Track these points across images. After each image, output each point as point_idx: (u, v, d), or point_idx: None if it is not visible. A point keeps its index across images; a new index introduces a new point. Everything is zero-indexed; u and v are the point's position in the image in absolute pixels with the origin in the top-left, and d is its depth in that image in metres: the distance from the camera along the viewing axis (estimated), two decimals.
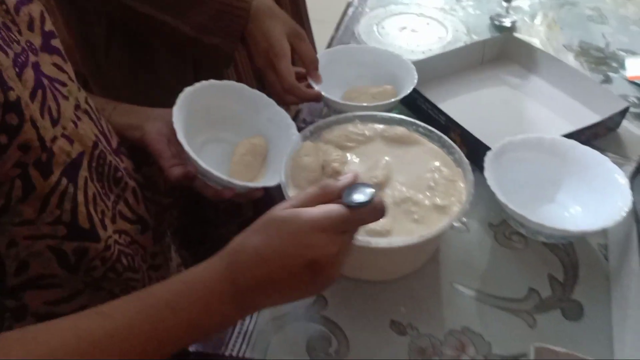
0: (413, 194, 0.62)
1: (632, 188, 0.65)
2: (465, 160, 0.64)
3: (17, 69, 0.46)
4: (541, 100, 0.89)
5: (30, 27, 0.52)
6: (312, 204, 0.47)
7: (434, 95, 0.84)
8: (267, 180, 0.66)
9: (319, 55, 0.83)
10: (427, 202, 0.61)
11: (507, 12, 1.08)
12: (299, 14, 1.30)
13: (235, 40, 0.75)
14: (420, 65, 0.84)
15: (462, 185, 0.63)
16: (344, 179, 0.50)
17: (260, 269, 0.45)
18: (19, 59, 0.47)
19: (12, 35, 0.48)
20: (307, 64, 0.78)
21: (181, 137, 0.59)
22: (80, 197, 0.52)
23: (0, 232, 0.48)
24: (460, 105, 0.88)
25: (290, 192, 0.61)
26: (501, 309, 0.61)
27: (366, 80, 0.86)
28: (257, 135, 0.70)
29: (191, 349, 0.57)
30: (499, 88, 0.92)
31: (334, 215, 0.46)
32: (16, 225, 0.48)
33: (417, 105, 0.84)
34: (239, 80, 0.97)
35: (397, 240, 0.55)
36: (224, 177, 0.60)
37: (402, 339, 0.58)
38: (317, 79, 0.79)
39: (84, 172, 0.53)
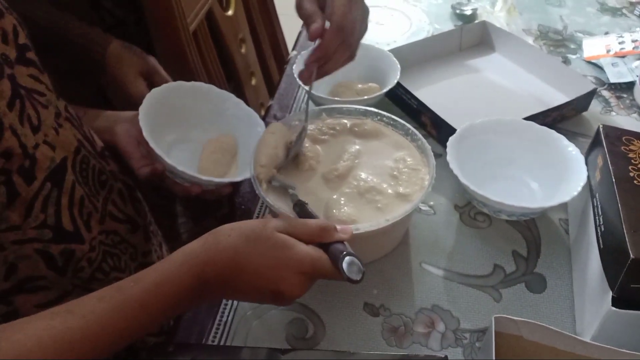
0: (377, 183, 0.64)
1: (587, 163, 0.68)
2: (427, 147, 0.67)
3: None
4: (515, 84, 0.92)
5: (4, 41, 0.53)
6: (307, 239, 0.49)
7: (412, 82, 0.87)
8: (235, 176, 0.68)
9: (304, 52, 0.84)
10: (390, 191, 0.63)
11: (468, 0, 1.11)
12: (266, 7, 1.32)
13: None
14: (398, 52, 0.88)
15: (425, 171, 0.65)
16: (343, 233, 0.51)
17: (231, 273, 0.47)
18: None
19: None
20: None
21: (147, 135, 0.61)
22: (64, 200, 0.54)
23: None
24: (435, 91, 0.91)
25: (254, 170, 0.63)
26: (468, 285, 0.64)
27: (353, 75, 0.87)
28: (226, 134, 0.72)
29: (174, 340, 0.59)
30: (475, 74, 0.95)
31: (318, 267, 0.48)
32: (3, 231, 0.50)
33: (392, 90, 0.86)
34: (209, 77, 1.00)
35: (363, 226, 0.58)
36: (190, 172, 0.62)
37: (375, 319, 0.61)
38: None
39: (70, 176, 0.55)
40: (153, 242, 0.71)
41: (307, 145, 0.69)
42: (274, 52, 1.36)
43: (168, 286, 0.45)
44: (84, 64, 0.77)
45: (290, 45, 1.27)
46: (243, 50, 1.17)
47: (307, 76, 0.67)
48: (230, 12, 1.11)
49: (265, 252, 0.47)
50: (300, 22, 1.08)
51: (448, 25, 1.08)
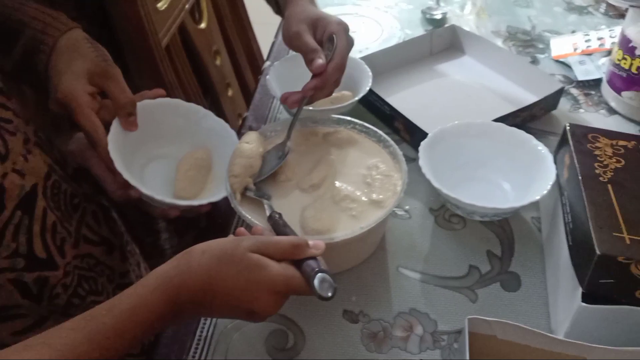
0: (351, 191, 0.65)
1: (556, 162, 0.70)
2: (399, 152, 0.68)
3: None
4: (486, 86, 0.93)
5: None
6: (280, 257, 0.49)
7: (384, 88, 0.88)
8: (213, 193, 0.68)
9: (277, 63, 0.86)
10: (364, 198, 0.64)
11: (438, 4, 1.13)
12: (239, 18, 1.32)
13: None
14: (370, 59, 0.89)
15: (397, 177, 0.66)
16: (315, 249, 0.51)
17: (205, 296, 0.47)
18: None
19: None
20: (116, 109, 0.65)
21: (119, 166, 0.60)
22: (36, 228, 0.54)
23: None
24: (408, 96, 0.92)
25: (227, 181, 0.64)
26: (445, 287, 0.65)
27: None
28: (199, 149, 0.72)
29: (154, 358, 0.59)
30: (446, 77, 0.97)
31: (292, 285, 0.48)
32: None
33: (365, 97, 0.87)
34: (184, 91, 1.00)
35: (338, 235, 0.59)
36: (167, 199, 0.62)
37: (354, 326, 0.61)
38: (129, 126, 0.66)
39: (41, 203, 0.55)
40: (130, 262, 0.71)
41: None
42: (249, 63, 1.36)
43: (142, 312, 0.45)
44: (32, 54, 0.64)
45: (265, 55, 1.28)
46: (218, 62, 1.17)
47: (297, 100, 0.69)
48: (203, 25, 1.12)
49: (238, 273, 0.47)
50: (273, 31, 1.09)
51: (419, 31, 1.10)
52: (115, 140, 0.62)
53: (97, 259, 0.63)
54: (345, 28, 0.71)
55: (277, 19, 1.12)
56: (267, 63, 1.04)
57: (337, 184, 0.66)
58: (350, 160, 0.70)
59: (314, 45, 0.68)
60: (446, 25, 1.05)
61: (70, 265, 0.58)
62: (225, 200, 0.64)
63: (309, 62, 0.68)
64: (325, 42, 0.70)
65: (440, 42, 1.00)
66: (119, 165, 0.60)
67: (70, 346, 0.42)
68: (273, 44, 1.10)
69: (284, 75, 0.88)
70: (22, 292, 0.53)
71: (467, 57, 1.00)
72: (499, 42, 1.06)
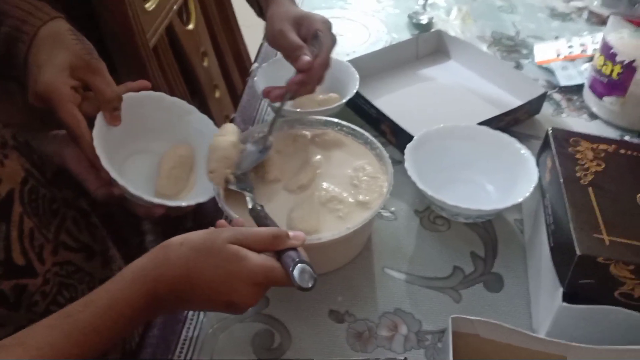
0: (338, 193, 0.66)
1: (538, 164, 0.71)
2: (385, 154, 0.69)
3: None
4: (471, 90, 0.95)
5: None
6: (260, 248, 0.49)
7: (371, 91, 0.89)
8: (198, 193, 0.67)
9: (265, 65, 0.87)
10: (351, 199, 0.65)
11: (424, 9, 1.14)
12: (227, 19, 1.33)
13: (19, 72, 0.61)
14: (357, 62, 0.90)
15: (383, 179, 0.67)
16: (295, 240, 0.51)
17: (184, 288, 0.47)
18: None
19: None
20: (101, 103, 0.62)
21: (105, 163, 0.58)
22: (14, 234, 0.52)
23: None
24: (394, 99, 0.93)
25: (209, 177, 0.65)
26: (429, 288, 0.66)
27: None
28: (182, 145, 0.71)
29: (140, 356, 0.59)
30: (432, 81, 0.98)
31: (271, 277, 0.48)
32: None
33: (352, 100, 0.87)
34: (171, 92, 1.00)
35: (325, 235, 0.59)
36: (155, 200, 0.61)
37: (340, 326, 0.62)
38: (114, 121, 0.63)
39: (17, 208, 0.53)
40: (112, 267, 0.70)
41: (271, 156, 0.70)
42: (237, 65, 1.37)
43: (120, 307, 0.45)
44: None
45: (252, 54, 1.28)
46: (205, 63, 1.18)
47: (280, 94, 0.70)
48: (190, 26, 1.12)
49: (217, 265, 0.47)
50: (261, 33, 1.09)
51: (405, 35, 1.11)
52: (100, 136, 0.60)
53: (77, 266, 0.61)
54: (329, 26, 0.72)
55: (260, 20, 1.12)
56: (255, 65, 1.04)
57: (324, 185, 0.67)
58: (337, 161, 0.71)
59: (298, 42, 0.69)
60: (432, 30, 1.06)
61: (50, 272, 0.56)
62: (212, 199, 0.64)
63: (294, 59, 0.69)
64: (310, 39, 0.71)
65: (426, 46, 1.02)
66: (104, 162, 0.58)
67: (47, 344, 0.42)
68: (261, 45, 1.10)
69: (271, 76, 0.88)
70: None
71: (453, 61, 1.01)
72: (484, 47, 1.07)
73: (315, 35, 0.70)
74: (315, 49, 0.70)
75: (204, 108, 1.16)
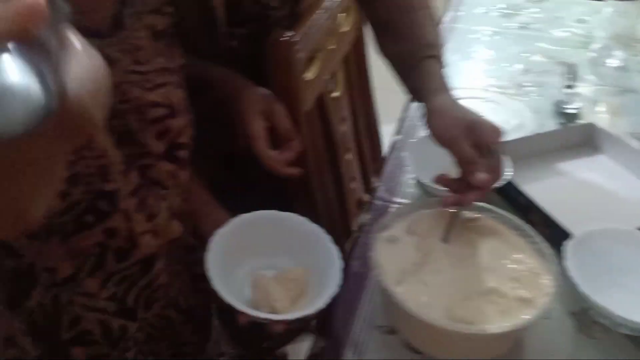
0: (498, 285, 0.65)
1: None
2: (547, 252, 0.67)
3: (124, 166, 0.54)
4: (624, 189, 0.91)
5: (161, 136, 0.59)
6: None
7: (518, 177, 0.87)
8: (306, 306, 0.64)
9: (415, 141, 0.91)
10: (511, 294, 0.64)
11: (570, 98, 1.13)
12: (364, 87, 1.38)
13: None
14: (505, 146, 0.89)
15: (546, 277, 0.66)
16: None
17: None
18: (130, 159, 0.55)
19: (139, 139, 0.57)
20: (280, 137, 0.80)
21: (227, 296, 0.59)
22: (142, 282, 0.60)
23: (60, 295, 0.55)
24: (542, 188, 0.90)
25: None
26: None
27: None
28: (295, 269, 0.68)
29: None
30: (580, 175, 0.95)
31: None
32: (77, 294, 0.56)
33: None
34: (313, 146, 1.04)
35: (492, 327, 0.59)
36: (277, 316, 0.61)
37: None
38: (294, 149, 0.81)
39: (160, 265, 0.61)
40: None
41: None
42: (367, 130, 1.42)
43: None
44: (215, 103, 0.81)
45: (390, 118, 1.32)
46: (343, 128, 1.23)
47: (453, 203, 0.73)
48: (336, 94, 1.18)
49: None
50: (399, 100, 1.11)
51: (550, 122, 1.10)
52: (215, 258, 0.62)
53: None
54: (500, 135, 0.70)
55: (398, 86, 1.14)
56: (399, 137, 1.07)
57: (483, 274, 0.67)
58: (493, 250, 0.71)
59: (473, 157, 0.69)
60: (581, 121, 1.04)
61: (145, 322, 0.63)
62: None
63: (468, 172, 0.69)
64: (482, 149, 0.69)
65: (576, 137, 1.00)
66: (221, 289, 0.59)
67: None
68: (403, 119, 1.14)
69: (420, 151, 0.90)
70: (104, 334, 0.59)
71: (604, 156, 0.99)
72: (636, 145, 1.03)
73: (489, 149, 0.70)
74: (489, 163, 0.69)
75: (335, 169, 1.21)
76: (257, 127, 0.77)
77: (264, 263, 0.70)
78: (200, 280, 0.70)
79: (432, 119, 0.74)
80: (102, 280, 0.56)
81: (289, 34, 0.86)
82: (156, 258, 0.60)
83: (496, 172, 0.71)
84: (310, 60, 0.98)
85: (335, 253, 0.67)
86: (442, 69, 0.79)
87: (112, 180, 0.52)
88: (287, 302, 0.64)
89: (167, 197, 0.61)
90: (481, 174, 0.67)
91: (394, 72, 0.85)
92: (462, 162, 0.70)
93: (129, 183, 0.55)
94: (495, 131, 0.70)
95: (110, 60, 0.54)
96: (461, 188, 0.71)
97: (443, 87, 0.77)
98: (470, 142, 0.69)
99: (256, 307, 0.62)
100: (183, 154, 0.62)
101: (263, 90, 0.82)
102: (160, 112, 0.59)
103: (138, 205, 0.56)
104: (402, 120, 1.14)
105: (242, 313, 0.59)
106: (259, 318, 0.60)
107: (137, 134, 0.56)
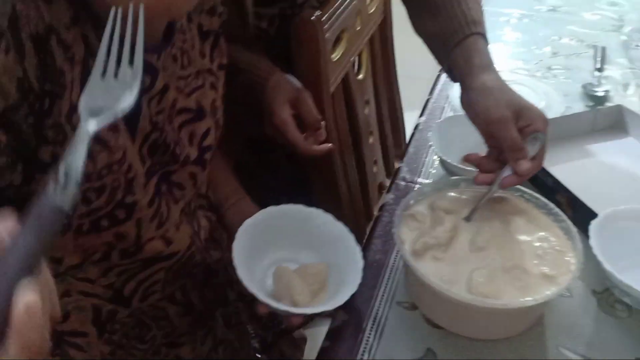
0: (521, 262, 0.65)
1: None
2: (573, 229, 0.67)
3: (145, 179, 0.55)
4: None
5: (188, 141, 0.60)
6: None
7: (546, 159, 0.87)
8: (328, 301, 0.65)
9: (440, 122, 0.91)
10: (535, 270, 0.64)
11: (600, 81, 1.11)
12: (388, 71, 1.38)
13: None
14: None
15: (570, 255, 0.66)
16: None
17: None
18: (153, 168, 0.56)
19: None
20: (307, 126, 0.81)
21: (246, 280, 0.60)
22: (142, 276, 0.61)
23: (61, 280, 0.56)
24: (568, 170, 0.89)
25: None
26: None
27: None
28: (318, 264, 0.69)
29: None
30: (609, 157, 0.94)
31: None
32: (77, 279, 0.57)
33: None
34: (338, 135, 1.05)
35: (512, 302, 0.59)
36: (297, 310, 0.62)
37: None
38: (319, 137, 0.82)
39: (161, 263, 0.62)
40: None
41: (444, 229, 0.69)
42: (390, 114, 1.41)
43: None
44: (247, 92, 0.83)
45: (411, 106, 1.32)
46: (366, 111, 1.23)
47: (486, 181, 0.71)
48: (361, 76, 1.18)
49: None
50: (424, 83, 1.11)
51: (579, 105, 1.08)
52: (241, 247, 0.63)
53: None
54: (547, 124, 0.69)
55: (427, 74, 1.14)
56: (422, 119, 1.07)
57: (507, 251, 0.67)
58: (518, 229, 0.70)
59: (520, 143, 0.66)
60: (608, 103, 1.03)
61: (138, 310, 0.64)
62: None
63: (512, 159, 0.67)
64: (527, 136, 0.67)
65: (604, 120, 0.99)
66: (245, 278, 0.60)
67: None
68: (427, 101, 1.14)
69: (445, 132, 0.91)
70: (94, 319, 0.61)
71: (632, 138, 0.97)
72: None
73: (536, 137, 0.68)
74: (532, 151, 0.68)
75: (358, 152, 1.21)
76: (286, 116, 0.79)
77: (287, 256, 0.71)
78: (204, 276, 0.71)
79: (478, 96, 0.70)
80: (104, 269, 0.58)
81: (317, 13, 0.87)
82: (158, 259, 0.61)
83: (539, 161, 0.69)
84: (337, 40, 0.98)
85: (358, 252, 0.68)
86: (487, 47, 0.76)
87: (134, 192, 0.54)
88: (308, 296, 0.65)
89: (183, 197, 0.62)
90: (526, 163, 0.66)
91: (431, 50, 0.82)
92: (508, 146, 0.67)
93: (148, 194, 0.56)
94: (544, 119, 0.68)
95: (161, 69, 0.55)
96: (492, 167, 0.71)
97: (490, 65, 0.73)
98: (516, 123, 0.67)
99: (277, 299, 0.63)
100: (207, 156, 0.62)
101: (290, 78, 0.83)
102: (187, 116, 0.59)
103: (152, 216, 0.57)
104: (426, 102, 1.14)
105: (263, 304, 0.60)
106: (279, 310, 0.61)
107: (167, 141, 0.57)
